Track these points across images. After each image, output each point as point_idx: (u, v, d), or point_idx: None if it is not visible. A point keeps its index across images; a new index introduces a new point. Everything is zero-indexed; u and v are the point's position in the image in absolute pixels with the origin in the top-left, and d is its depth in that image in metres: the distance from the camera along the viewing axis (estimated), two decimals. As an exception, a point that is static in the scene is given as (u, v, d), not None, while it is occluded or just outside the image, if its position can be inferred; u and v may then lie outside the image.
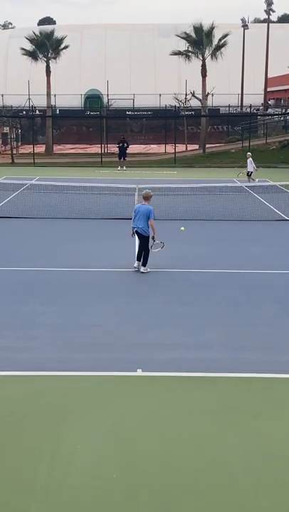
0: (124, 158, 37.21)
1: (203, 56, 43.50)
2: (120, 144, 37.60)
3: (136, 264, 13.73)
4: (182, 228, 14.01)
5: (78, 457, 6.58)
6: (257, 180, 28.76)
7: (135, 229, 13.81)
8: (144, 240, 13.72)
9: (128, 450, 6.76)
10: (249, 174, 29.01)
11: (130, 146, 40.92)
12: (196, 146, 45.62)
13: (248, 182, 28.13)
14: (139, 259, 13.76)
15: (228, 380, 8.46)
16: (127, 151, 37.63)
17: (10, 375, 8.52)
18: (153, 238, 13.74)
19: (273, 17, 77.15)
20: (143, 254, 13.66)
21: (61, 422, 7.30)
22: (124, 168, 36.44)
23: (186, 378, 8.48)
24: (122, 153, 37.19)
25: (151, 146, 49.13)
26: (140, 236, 13.79)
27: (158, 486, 6.11)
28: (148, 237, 13.73)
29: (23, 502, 5.89)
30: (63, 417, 7.41)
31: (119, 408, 7.65)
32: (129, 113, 53.69)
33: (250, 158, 29.26)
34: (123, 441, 6.94)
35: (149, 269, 13.56)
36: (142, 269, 13.58)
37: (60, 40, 45.60)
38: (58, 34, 46.12)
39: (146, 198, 13.97)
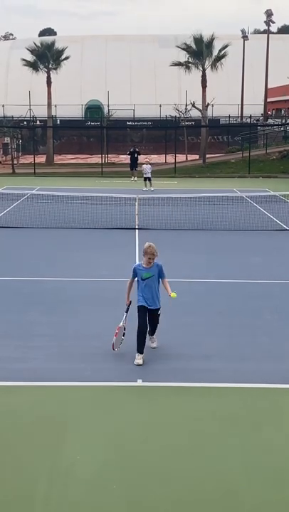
0: (135, 169, 36.57)
1: (203, 67, 43.63)
2: (131, 155, 36.86)
3: (140, 360, 9.10)
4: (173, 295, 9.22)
5: (78, 467, 6.55)
6: (153, 188, 30.61)
7: (141, 304, 9.26)
8: (153, 315, 9.40)
9: (128, 461, 6.73)
10: (147, 179, 31.16)
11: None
12: (197, 156, 45.69)
13: (144, 187, 30.75)
14: (142, 351, 9.16)
15: (228, 390, 8.44)
16: (138, 162, 36.75)
17: (10, 385, 8.50)
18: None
19: (273, 28, 77.76)
20: (153, 327, 9.55)
21: (61, 432, 7.27)
22: (136, 178, 35.89)
23: (186, 388, 8.46)
24: (133, 163, 36.54)
25: (152, 156, 49.19)
26: (149, 311, 9.30)
27: (158, 497, 6.07)
28: (159, 309, 9.49)
29: (23, 513, 5.86)
30: (63, 427, 7.39)
31: (119, 418, 7.63)
32: (130, 123, 53.84)
33: (149, 165, 31.82)
34: (123, 451, 6.91)
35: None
36: (153, 342, 9.71)
37: (60, 51, 45.78)
38: (58, 45, 46.31)
39: (154, 254, 9.31)
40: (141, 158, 36.26)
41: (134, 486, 6.26)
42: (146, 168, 31.40)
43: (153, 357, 9.46)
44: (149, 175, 31.32)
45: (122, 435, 7.23)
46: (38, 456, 6.77)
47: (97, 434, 7.26)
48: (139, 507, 5.95)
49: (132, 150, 37.34)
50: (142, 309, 9.21)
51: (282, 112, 61.64)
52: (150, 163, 32.62)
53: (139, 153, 37.07)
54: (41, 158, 44.65)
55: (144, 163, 32.06)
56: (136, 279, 9.36)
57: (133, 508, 5.93)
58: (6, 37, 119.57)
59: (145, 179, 31.36)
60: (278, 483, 6.34)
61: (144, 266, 9.31)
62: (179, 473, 6.49)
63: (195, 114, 47.51)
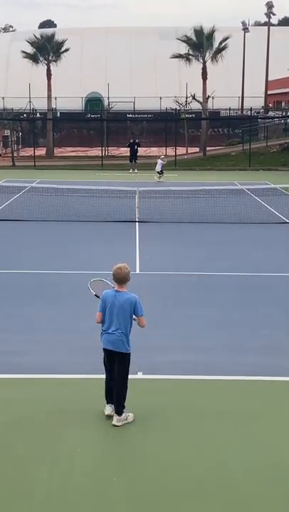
0: (135, 161, 36.49)
1: (203, 59, 43.46)
2: (131, 147, 36.64)
3: (108, 411, 7.40)
4: None
5: (78, 460, 6.56)
6: (162, 179, 31.67)
7: (104, 337, 7.49)
8: (119, 362, 7.30)
9: (128, 453, 6.75)
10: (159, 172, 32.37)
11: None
12: (197, 149, 45.57)
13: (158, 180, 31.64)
14: (111, 401, 7.41)
15: (228, 383, 8.45)
16: (137, 154, 36.59)
17: (10, 378, 8.51)
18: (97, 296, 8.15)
19: (274, 20, 77.40)
20: (116, 392, 7.31)
21: (61, 425, 7.28)
22: (136, 170, 35.87)
23: (186, 381, 8.47)
24: (133, 155, 36.40)
25: (152, 148, 49.08)
26: (113, 354, 7.34)
27: (158, 489, 6.09)
28: (128, 354, 7.34)
29: (24, 507, 5.87)
30: (63, 419, 7.40)
31: (119, 411, 7.62)
32: (130, 116, 53.66)
33: (162, 160, 33.07)
34: (123, 444, 6.92)
35: (129, 417, 7.30)
36: (116, 419, 7.22)
37: (60, 43, 45.59)
38: (58, 37, 46.09)
39: (123, 280, 7.61)
40: (141, 150, 36.20)
41: (134, 478, 6.28)
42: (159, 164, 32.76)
43: (153, 350, 9.47)
44: (159, 169, 32.43)
45: (122, 428, 7.23)
46: (38, 449, 6.78)
47: (98, 426, 7.27)
48: (138, 499, 5.96)
49: (131, 142, 37.21)
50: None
51: (283, 104, 61.45)
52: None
53: (138, 145, 36.94)
54: (41, 151, 44.53)
55: (159, 159, 33.40)
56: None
57: (133, 500, 5.94)
58: (5, 29, 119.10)
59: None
60: (278, 477, 6.35)
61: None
62: (179, 465, 6.50)
63: (195, 106, 47.36)
